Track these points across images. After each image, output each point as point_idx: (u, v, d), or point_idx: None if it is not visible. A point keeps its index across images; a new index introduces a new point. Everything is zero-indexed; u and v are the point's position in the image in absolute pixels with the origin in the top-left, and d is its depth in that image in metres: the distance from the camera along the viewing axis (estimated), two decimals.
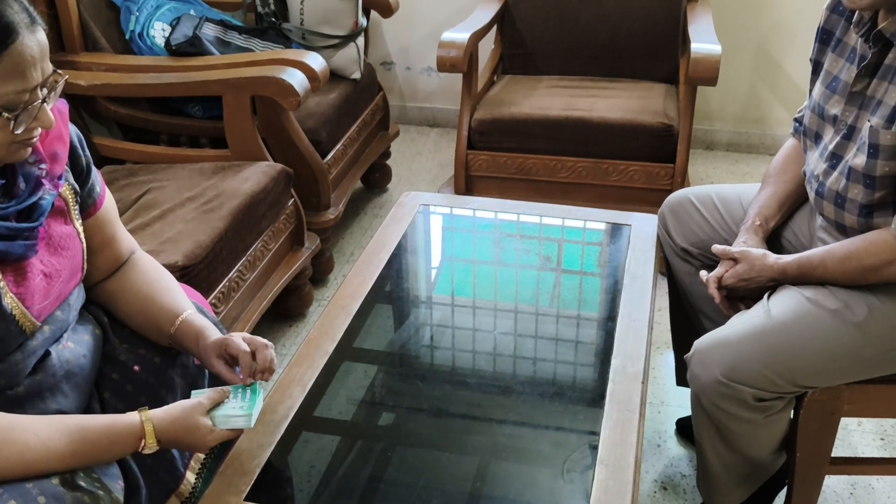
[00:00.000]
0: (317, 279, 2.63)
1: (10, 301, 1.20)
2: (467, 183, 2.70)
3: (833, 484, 1.95)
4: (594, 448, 1.38)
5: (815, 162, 1.64)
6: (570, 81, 2.91)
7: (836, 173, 1.56)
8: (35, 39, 1.12)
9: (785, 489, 1.76)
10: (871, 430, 2.10)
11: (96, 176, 1.40)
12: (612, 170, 2.60)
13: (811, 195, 1.65)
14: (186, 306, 1.43)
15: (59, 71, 1.18)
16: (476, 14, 2.90)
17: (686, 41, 2.70)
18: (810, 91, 1.70)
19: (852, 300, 1.50)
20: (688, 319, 1.96)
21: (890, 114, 1.43)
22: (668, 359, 2.29)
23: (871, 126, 1.46)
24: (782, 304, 1.54)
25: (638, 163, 2.58)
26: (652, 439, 2.09)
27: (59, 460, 1.17)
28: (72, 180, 1.32)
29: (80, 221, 1.35)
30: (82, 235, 1.35)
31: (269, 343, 1.37)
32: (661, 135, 2.54)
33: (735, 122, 3.46)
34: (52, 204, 1.26)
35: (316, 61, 2.35)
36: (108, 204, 1.42)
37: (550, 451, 1.46)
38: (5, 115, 1.10)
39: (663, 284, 2.03)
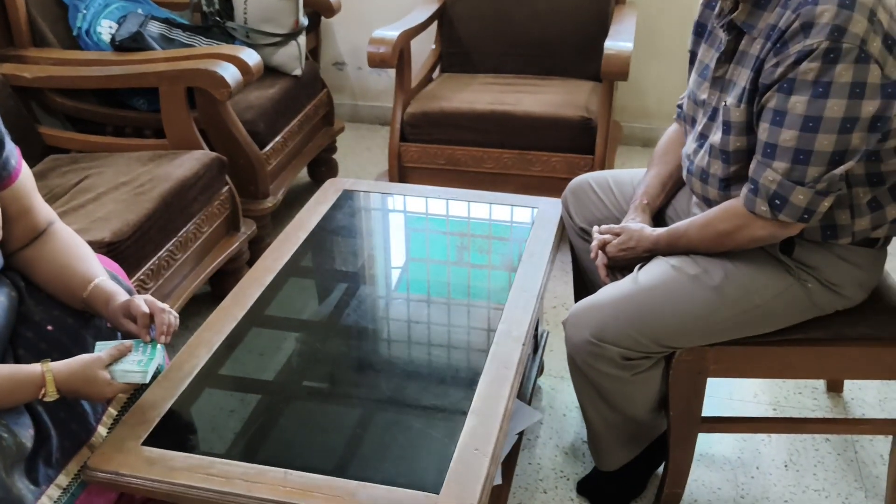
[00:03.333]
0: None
1: None
2: (400, 173, 2.83)
3: (724, 447, 2.08)
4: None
5: (689, 144, 1.79)
6: (504, 79, 3.05)
7: (702, 151, 1.70)
8: None
9: None
10: (765, 402, 2.24)
11: (12, 150, 1.52)
12: (536, 160, 2.74)
13: (685, 174, 1.79)
14: (99, 273, 1.56)
15: None
16: (413, 14, 3.04)
17: None
18: (688, 80, 1.84)
19: (711, 266, 1.64)
20: (588, 294, 2.09)
21: (740, 93, 1.57)
22: None
23: (725, 105, 1.60)
24: (649, 272, 1.69)
25: (560, 154, 2.72)
26: (558, 409, 2.22)
27: None
28: None
29: None
30: None
31: (169, 308, 1.50)
32: (580, 127, 2.68)
33: (668, 120, 3.58)
34: None
35: (250, 56, 2.48)
36: (24, 176, 1.55)
37: (431, 403, 1.59)
38: None
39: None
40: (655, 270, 1.68)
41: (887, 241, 1.66)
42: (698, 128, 1.73)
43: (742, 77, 1.57)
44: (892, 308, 1.73)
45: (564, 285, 2.55)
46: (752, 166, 1.55)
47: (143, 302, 1.49)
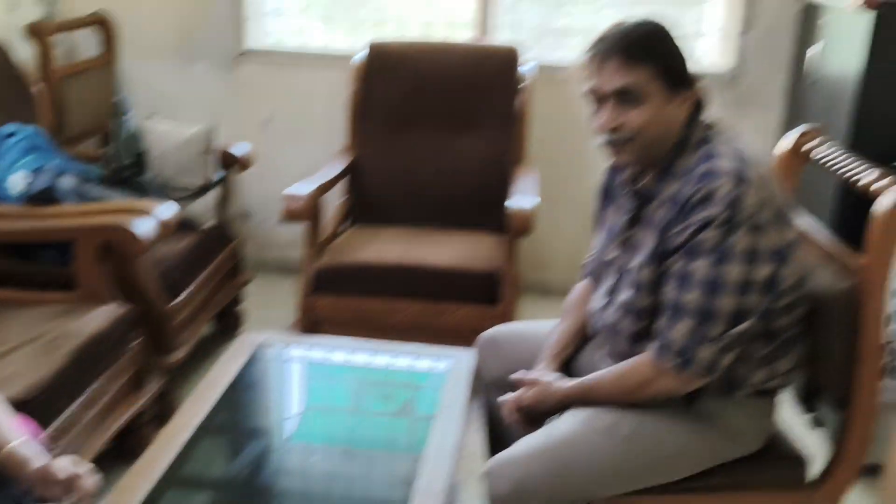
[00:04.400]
0: (164, 419, 2.69)
1: None
2: (311, 325, 2.86)
3: None
4: None
5: (598, 300, 1.90)
6: (412, 232, 3.16)
7: (611, 308, 1.81)
8: None
9: None
10: None
11: None
12: (445, 311, 2.81)
13: (595, 328, 1.90)
14: (16, 436, 1.53)
15: None
16: (324, 169, 3.14)
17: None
18: (595, 241, 1.97)
19: (621, 418, 1.73)
20: (503, 445, 2.13)
21: (647, 255, 1.70)
22: None
23: (633, 266, 1.73)
24: (563, 424, 1.76)
25: (468, 305, 2.81)
26: None
27: None
28: None
29: None
30: None
31: (89, 470, 1.48)
32: (487, 279, 2.79)
33: (565, 271, 3.73)
34: None
35: (166, 210, 2.52)
36: None
37: None
38: None
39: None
40: (568, 422, 1.75)
41: (781, 391, 1.79)
42: (607, 286, 1.85)
43: (648, 240, 1.71)
44: (788, 455, 1.84)
45: (475, 434, 2.58)
46: (660, 324, 1.66)
47: (62, 466, 1.46)
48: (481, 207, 3.21)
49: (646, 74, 1.62)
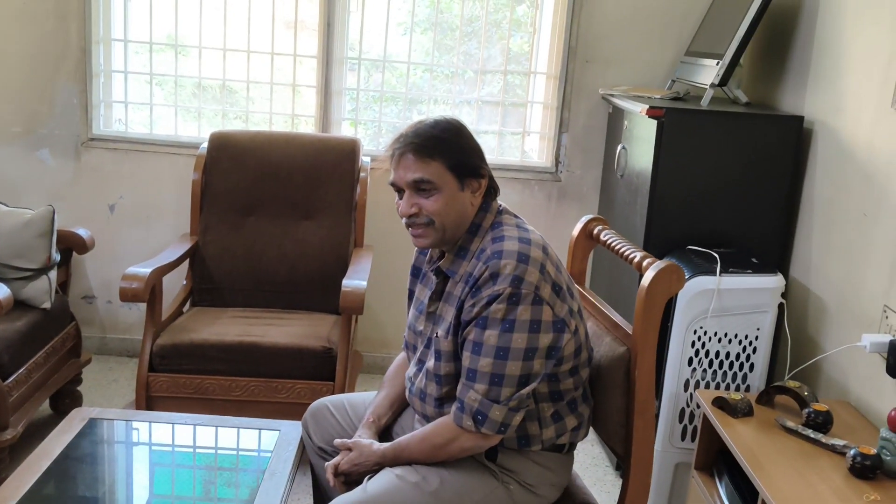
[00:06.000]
0: None
1: None
2: (148, 403, 2.91)
3: None
4: None
5: (411, 368, 2.08)
6: (253, 312, 3.28)
7: (420, 375, 2.00)
8: None
9: None
10: None
11: None
12: (282, 388, 2.93)
13: (407, 394, 2.07)
14: None
15: None
16: (166, 251, 3.24)
17: None
18: (409, 315, 2.16)
19: (429, 474, 1.89)
20: None
21: (447, 327, 1.90)
22: None
23: (436, 336, 1.92)
24: (377, 482, 1.91)
25: (304, 381, 2.94)
26: None
27: None
28: None
29: None
30: None
31: None
32: (322, 356, 2.94)
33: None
34: None
35: (0, 291, 2.56)
36: None
37: None
38: None
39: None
40: (382, 480, 1.91)
41: (572, 446, 2.01)
42: (417, 354, 2.04)
43: (448, 313, 1.91)
44: None
45: (305, 499, 2.69)
46: (458, 388, 1.86)
47: None
48: (321, 290, 3.37)
49: (437, 168, 1.85)
